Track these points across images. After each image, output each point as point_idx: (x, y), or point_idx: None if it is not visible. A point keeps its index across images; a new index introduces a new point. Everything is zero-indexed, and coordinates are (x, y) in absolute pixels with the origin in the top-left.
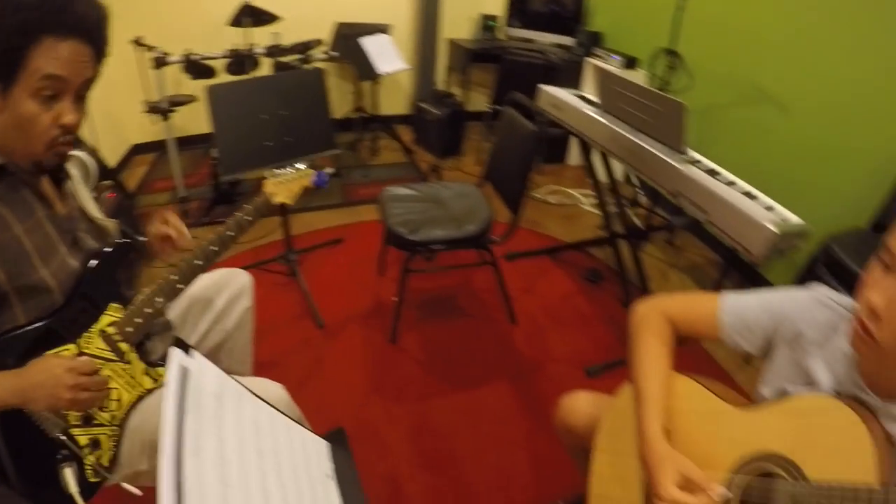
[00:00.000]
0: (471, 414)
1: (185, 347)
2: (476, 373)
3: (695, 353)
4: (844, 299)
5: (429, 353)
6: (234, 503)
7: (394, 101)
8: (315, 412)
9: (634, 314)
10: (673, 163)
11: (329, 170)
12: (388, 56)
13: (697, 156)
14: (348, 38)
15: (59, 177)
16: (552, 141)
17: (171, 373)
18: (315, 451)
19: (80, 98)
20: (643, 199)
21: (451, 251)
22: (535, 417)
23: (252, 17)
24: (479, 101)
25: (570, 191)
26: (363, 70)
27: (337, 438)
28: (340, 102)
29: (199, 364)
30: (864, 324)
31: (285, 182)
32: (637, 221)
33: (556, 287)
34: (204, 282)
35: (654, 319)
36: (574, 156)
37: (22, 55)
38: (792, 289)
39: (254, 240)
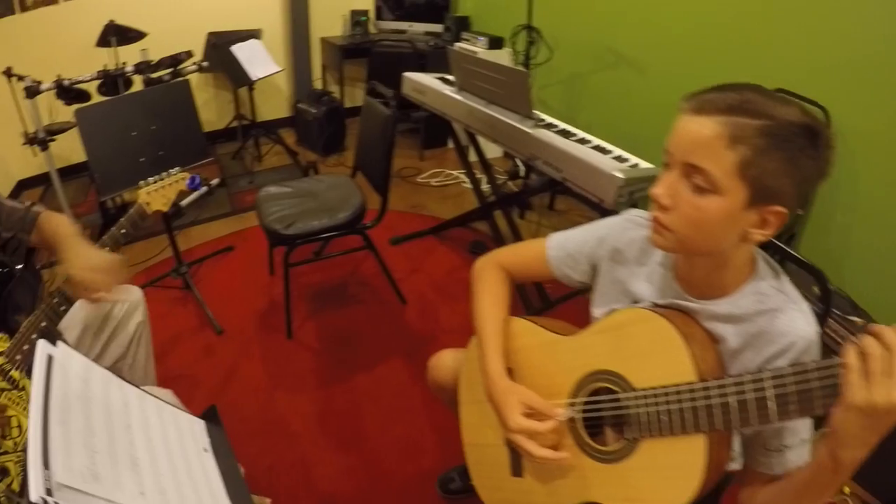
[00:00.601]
0: (371, 393)
1: (52, 339)
2: (372, 354)
3: None
4: None
5: (325, 342)
6: (102, 467)
7: (274, 106)
8: (224, 415)
9: (473, 269)
10: (524, 128)
11: (215, 181)
12: (261, 61)
13: (549, 119)
14: (219, 48)
15: None
16: (433, 127)
17: (36, 360)
18: (189, 428)
19: None
20: (522, 170)
21: (339, 244)
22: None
23: (118, 35)
24: (356, 96)
25: (451, 172)
26: (237, 77)
27: (210, 416)
28: (221, 112)
29: (64, 351)
30: (656, 217)
31: (159, 189)
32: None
33: (443, 263)
34: None
35: (489, 271)
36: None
37: None
38: (611, 217)
39: (146, 260)
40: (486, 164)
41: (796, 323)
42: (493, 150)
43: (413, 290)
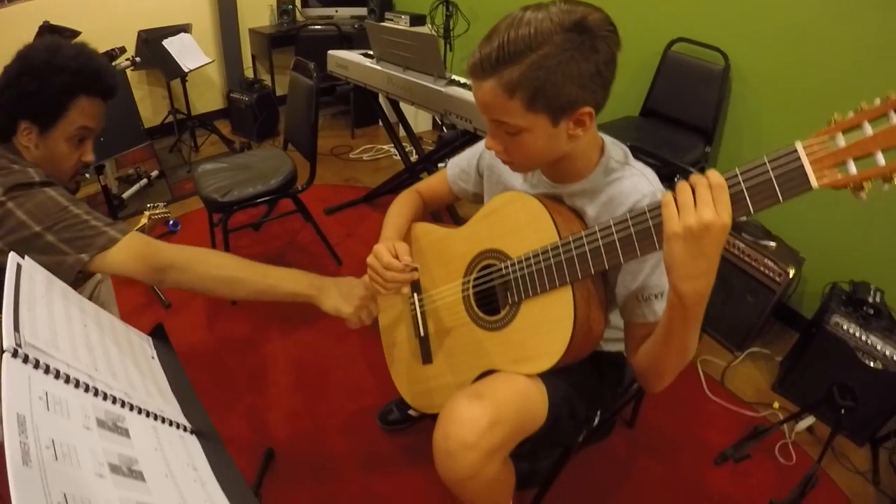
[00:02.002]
0: (312, 344)
1: (20, 253)
2: (311, 309)
3: None
4: None
5: (267, 304)
6: (62, 342)
7: (208, 98)
8: None
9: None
10: (437, 87)
11: (154, 173)
12: (192, 53)
13: (461, 79)
14: (151, 43)
15: None
16: (363, 107)
17: (8, 265)
18: (138, 339)
19: (92, 142)
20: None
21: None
22: (367, 331)
23: (52, 34)
24: (286, 83)
25: (382, 147)
26: (170, 70)
27: (157, 333)
28: (156, 109)
29: (30, 263)
30: (501, 159)
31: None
32: None
33: (376, 227)
34: None
35: (403, 194)
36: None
37: (64, 109)
38: None
39: None
40: (413, 137)
41: (639, 184)
42: (421, 125)
43: (348, 252)
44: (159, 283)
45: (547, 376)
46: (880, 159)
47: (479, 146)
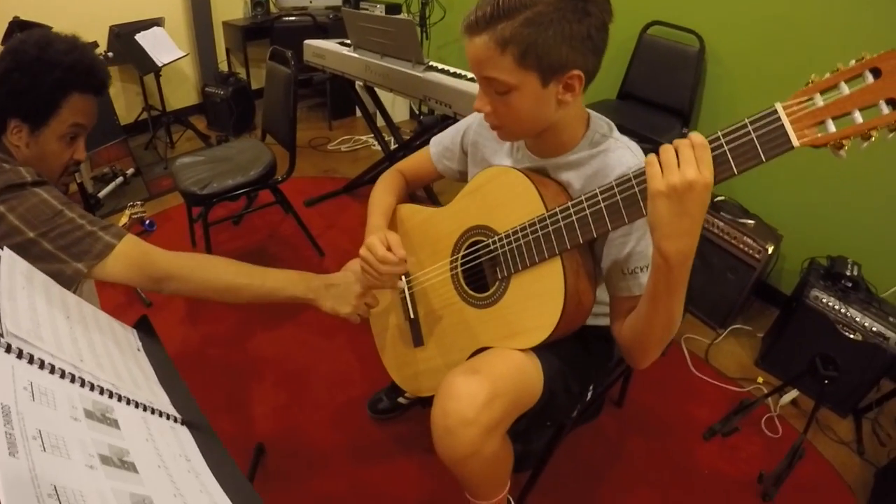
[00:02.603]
0: (297, 338)
1: None
2: (292, 304)
3: None
4: None
5: None
6: (45, 333)
7: (182, 93)
8: None
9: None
10: (416, 73)
11: (130, 170)
12: (165, 47)
13: (439, 65)
14: (123, 37)
15: None
16: (339, 98)
17: None
18: (122, 331)
19: (84, 140)
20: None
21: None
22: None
23: (23, 31)
24: (262, 76)
25: (360, 137)
26: (143, 65)
27: (142, 326)
28: (129, 106)
29: (9, 254)
30: (489, 122)
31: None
32: None
33: (357, 217)
34: None
35: (386, 174)
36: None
37: (56, 106)
38: None
39: None
40: (392, 125)
41: (624, 157)
42: (398, 115)
43: (330, 243)
44: (157, 291)
45: (540, 351)
46: (858, 117)
47: (462, 124)
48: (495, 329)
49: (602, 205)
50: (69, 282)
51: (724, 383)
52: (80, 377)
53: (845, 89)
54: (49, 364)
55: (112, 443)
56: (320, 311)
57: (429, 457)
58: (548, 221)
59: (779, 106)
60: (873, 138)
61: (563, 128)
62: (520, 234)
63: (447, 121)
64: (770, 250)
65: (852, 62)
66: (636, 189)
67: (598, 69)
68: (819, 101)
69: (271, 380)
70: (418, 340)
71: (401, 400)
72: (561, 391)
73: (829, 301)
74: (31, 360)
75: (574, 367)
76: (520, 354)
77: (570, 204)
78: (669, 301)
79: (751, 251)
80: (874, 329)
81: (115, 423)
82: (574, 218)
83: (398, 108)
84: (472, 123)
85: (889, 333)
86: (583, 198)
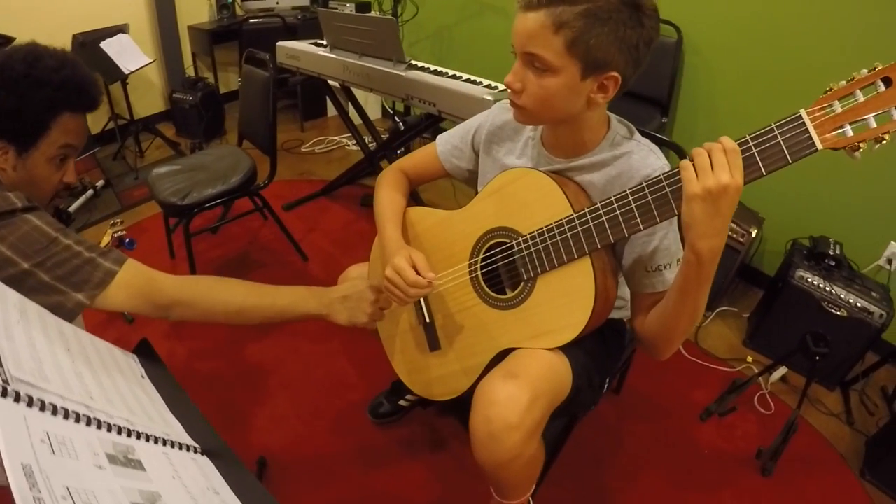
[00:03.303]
0: (289, 345)
1: None
2: None
3: None
4: None
5: None
6: (50, 372)
7: (149, 101)
8: None
9: (377, 179)
10: (397, 72)
11: (99, 183)
12: (131, 54)
13: (420, 63)
14: (88, 45)
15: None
16: (311, 98)
17: None
18: (124, 359)
19: (74, 161)
20: (402, 126)
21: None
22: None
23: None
24: (230, 80)
25: (334, 138)
26: (109, 74)
27: (144, 350)
28: (96, 115)
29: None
30: (512, 101)
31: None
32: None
33: (338, 219)
34: None
35: (389, 174)
36: (332, 107)
37: (45, 127)
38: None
39: None
40: (371, 126)
41: (649, 159)
42: (371, 113)
43: (313, 247)
44: (164, 318)
45: (566, 347)
46: (872, 122)
47: (473, 122)
48: (521, 330)
49: (633, 205)
50: (70, 315)
51: (716, 364)
52: (95, 418)
53: (860, 96)
54: (62, 408)
55: (142, 488)
56: (333, 325)
57: (435, 458)
58: (577, 222)
59: (803, 112)
60: (885, 141)
61: (585, 128)
62: (546, 235)
63: (431, 119)
64: (754, 234)
65: (864, 71)
66: (668, 190)
67: (632, 81)
68: (838, 107)
69: (266, 390)
70: (434, 345)
71: (402, 402)
72: (585, 386)
73: (814, 280)
74: (42, 407)
75: (595, 359)
76: (549, 353)
77: (599, 204)
78: (697, 294)
79: (735, 235)
80: (858, 305)
81: (139, 465)
82: (604, 218)
83: (371, 106)
84: (485, 122)
85: (873, 308)
86: (612, 198)
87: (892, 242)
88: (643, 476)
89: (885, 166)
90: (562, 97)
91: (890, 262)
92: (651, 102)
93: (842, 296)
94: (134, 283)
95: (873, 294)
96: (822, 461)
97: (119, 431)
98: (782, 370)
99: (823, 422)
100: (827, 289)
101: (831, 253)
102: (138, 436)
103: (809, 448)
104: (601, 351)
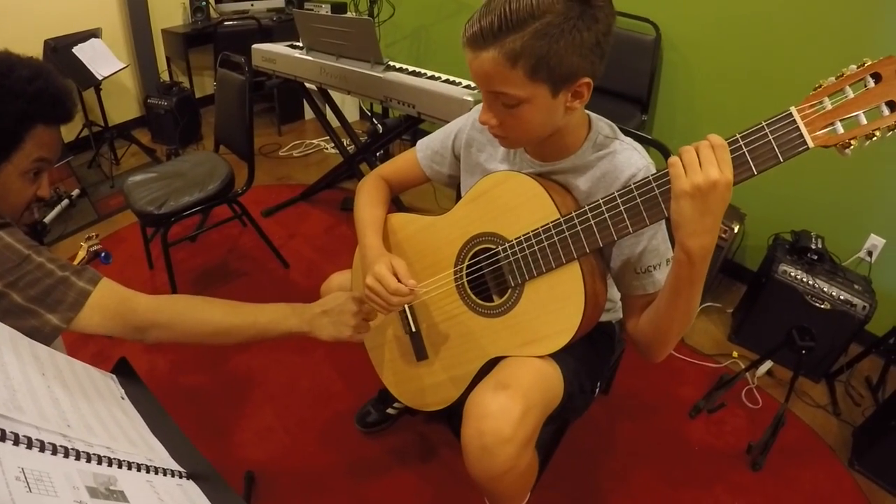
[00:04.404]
0: (272, 356)
1: None
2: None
3: None
4: None
5: None
6: (24, 401)
7: (124, 107)
8: None
9: (357, 187)
10: (376, 73)
11: (75, 192)
12: (105, 59)
13: (398, 64)
14: (60, 51)
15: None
16: (287, 102)
17: None
18: (102, 379)
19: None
20: (381, 128)
21: (214, 228)
22: None
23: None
24: (206, 84)
25: (311, 141)
26: (82, 80)
27: (122, 370)
28: (70, 123)
29: None
30: (493, 133)
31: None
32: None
33: (318, 224)
34: None
35: (369, 182)
36: (309, 110)
37: (18, 140)
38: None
39: None
40: (349, 129)
41: (633, 158)
42: (348, 116)
43: (293, 253)
44: (140, 340)
45: (556, 354)
46: (862, 119)
47: (453, 126)
48: (510, 337)
49: (622, 207)
50: (47, 340)
51: (702, 361)
52: (73, 448)
53: (850, 93)
54: (37, 440)
55: None
56: (318, 341)
57: (426, 466)
58: (564, 226)
59: (793, 109)
60: (875, 138)
61: (566, 132)
62: (533, 240)
63: (410, 121)
64: (736, 229)
65: (853, 67)
66: (657, 192)
67: (602, 72)
68: (828, 104)
69: (250, 403)
70: (422, 354)
71: (390, 411)
72: (577, 391)
73: (796, 274)
74: (16, 441)
75: (585, 364)
76: (540, 361)
77: (586, 207)
78: (690, 293)
79: None
80: (841, 297)
81: (122, 497)
82: (592, 221)
83: (348, 108)
84: (465, 127)
85: (856, 300)
86: (600, 200)
87: (872, 234)
88: (635, 475)
89: (864, 159)
90: (540, 120)
91: (870, 253)
92: (630, 100)
93: (825, 289)
94: (108, 304)
95: (855, 286)
96: (811, 453)
97: (100, 461)
98: (768, 364)
99: (810, 414)
100: (810, 282)
101: (813, 247)
102: (120, 464)
103: (798, 441)
104: (591, 355)
